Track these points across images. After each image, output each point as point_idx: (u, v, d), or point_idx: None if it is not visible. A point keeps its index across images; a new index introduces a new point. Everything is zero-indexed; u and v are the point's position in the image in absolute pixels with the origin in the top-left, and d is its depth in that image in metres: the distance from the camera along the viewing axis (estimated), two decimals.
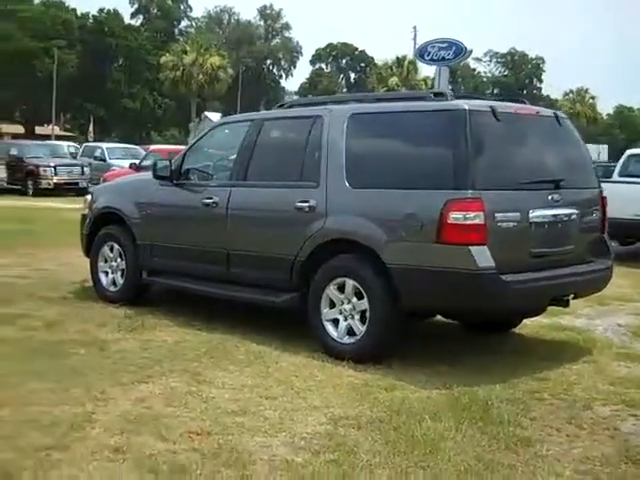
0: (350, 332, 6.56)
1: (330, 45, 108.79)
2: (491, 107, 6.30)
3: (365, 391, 5.78)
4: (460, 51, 46.22)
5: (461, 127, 6.06)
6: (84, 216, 9.00)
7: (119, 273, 8.51)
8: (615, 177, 15.87)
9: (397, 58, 62.81)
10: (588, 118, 72.63)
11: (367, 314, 6.41)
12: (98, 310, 8.10)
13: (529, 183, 6.34)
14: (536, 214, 6.29)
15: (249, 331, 7.31)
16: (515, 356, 6.96)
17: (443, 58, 45.35)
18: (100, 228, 8.68)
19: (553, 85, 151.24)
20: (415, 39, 64.34)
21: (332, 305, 6.67)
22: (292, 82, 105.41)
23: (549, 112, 7.07)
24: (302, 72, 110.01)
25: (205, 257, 7.59)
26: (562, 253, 6.59)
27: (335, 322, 6.65)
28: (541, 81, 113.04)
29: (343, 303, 6.59)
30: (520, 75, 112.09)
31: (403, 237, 6.18)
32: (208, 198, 7.51)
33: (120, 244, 8.42)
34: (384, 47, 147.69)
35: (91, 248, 8.79)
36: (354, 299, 6.51)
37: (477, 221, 5.88)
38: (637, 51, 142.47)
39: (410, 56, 61.32)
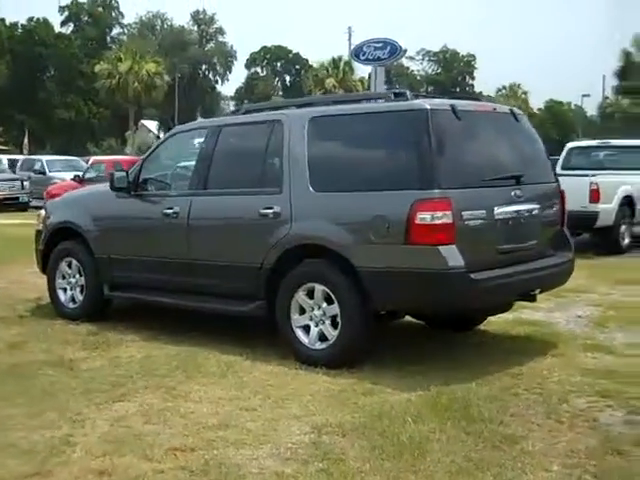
0: (322, 338, 6.53)
1: (264, 48, 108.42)
2: (451, 106, 6.34)
3: (344, 397, 5.76)
4: (395, 50, 46.56)
5: (423, 127, 6.08)
6: (39, 232, 8.81)
7: (78, 289, 8.35)
8: (558, 170, 16.14)
9: (333, 59, 62.88)
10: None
11: (338, 319, 6.39)
12: (59, 328, 7.93)
13: (492, 180, 6.40)
14: (500, 211, 6.34)
15: (217, 342, 7.23)
16: (484, 353, 7.03)
17: (378, 58, 45.62)
18: (56, 244, 8.50)
19: (487, 82, 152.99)
20: (350, 39, 64.62)
21: (302, 311, 6.64)
22: (228, 87, 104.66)
23: (505, 108, 7.15)
24: (238, 77, 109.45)
25: (168, 268, 7.49)
26: (526, 249, 6.67)
27: (306, 328, 6.62)
28: (473, 78, 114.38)
29: (313, 309, 6.56)
30: (453, 73, 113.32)
31: (371, 240, 6.17)
32: (168, 208, 7.41)
33: (78, 259, 8.26)
34: (319, 49, 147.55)
35: (47, 265, 8.60)
36: (324, 304, 6.49)
37: (445, 220, 5.91)
38: (565, 46, 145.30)
39: (346, 57, 61.48)
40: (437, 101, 6.55)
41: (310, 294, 6.56)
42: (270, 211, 6.69)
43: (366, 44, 43.25)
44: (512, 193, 6.48)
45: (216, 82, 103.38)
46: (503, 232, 6.39)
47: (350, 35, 66.25)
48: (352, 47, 46.47)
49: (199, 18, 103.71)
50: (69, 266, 8.40)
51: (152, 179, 7.87)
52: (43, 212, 8.85)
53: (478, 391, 5.82)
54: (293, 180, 6.63)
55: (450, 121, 6.22)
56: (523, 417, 5.33)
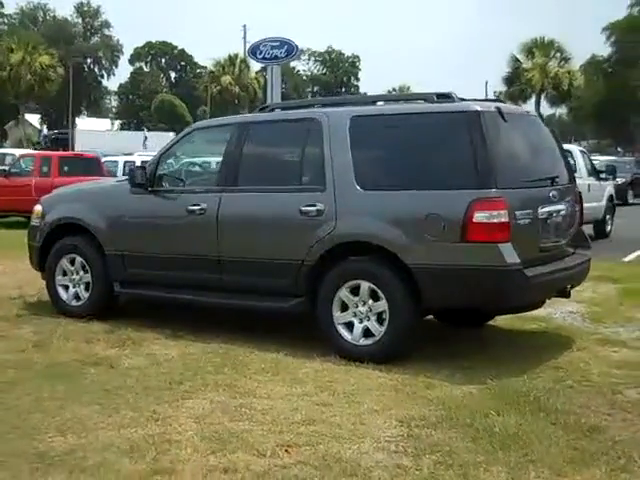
0: (366, 334, 6.60)
1: (149, 44, 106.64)
2: (497, 108, 6.53)
3: (409, 391, 5.86)
4: (292, 50, 46.82)
5: (478, 128, 6.24)
6: (34, 227, 8.51)
7: (82, 286, 8.12)
8: None
9: (229, 57, 62.64)
10: None
11: (385, 315, 6.48)
12: (72, 326, 7.69)
13: (534, 181, 6.64)
14: (542, 210, 6.59)
15: (247, 339, 7.18)
16: (512, 348, 7.26)
17: (275, 57, 45.80)
18: (55, 240, 8.24)
19: (373, 83, 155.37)
20: (245, 38, 64.49)
21: (344, 308, 6.69)
22: (114, 82, 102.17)
23: (532, 112, 7.39)
24: (124, 71, 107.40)
25: (192, 265, 7.39)
26: (558, 247, 6.94)
27: (348, 325, 6.67)
28: (358, 79, 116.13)
29: (357, 305, 6.62)
30: (338, 73, 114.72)
31: (424, 237, 6.29)
32: (194, 205, 7.31)
33: (83, 256, 8.04)
34: (211, 46, 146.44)
35: (44, 261, 8.33)
36: (370, 301, 6.56)
37: (502, 219, 6.10)
38: (451, 49, 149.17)
39: (242, 55, 61.37)
40: (484, 103, 6.73)
41: (354, 291, 6.62)
42: (313, 208, 6.71)
43: (263, 43, 43.24)
44: (550, 194, 6.73)
45: (102, 76, 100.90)
46: (543, 231, 6.63)
47: (245, 33, 66.07)
48: (248, 45, 46.55)
49: (83, 10, 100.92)
50: (72, 263, 8.17)
51: (170, 175, 7.75)
52: (39, 207, 8.54)
53: (534, 384, 6.02)
54: (337, 178, 6.67)
55: (498, 123, 6.42)
56: (590, 408, 5.55)
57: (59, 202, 8.55)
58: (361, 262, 6.59)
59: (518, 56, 53.99)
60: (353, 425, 5.14)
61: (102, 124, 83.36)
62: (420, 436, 4.95)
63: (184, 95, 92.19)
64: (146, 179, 7.58)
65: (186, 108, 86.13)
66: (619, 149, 74.22)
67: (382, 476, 4.36)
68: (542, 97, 52.92)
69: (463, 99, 6.74)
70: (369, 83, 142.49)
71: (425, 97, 6.95)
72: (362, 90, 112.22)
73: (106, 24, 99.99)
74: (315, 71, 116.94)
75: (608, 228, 18.14)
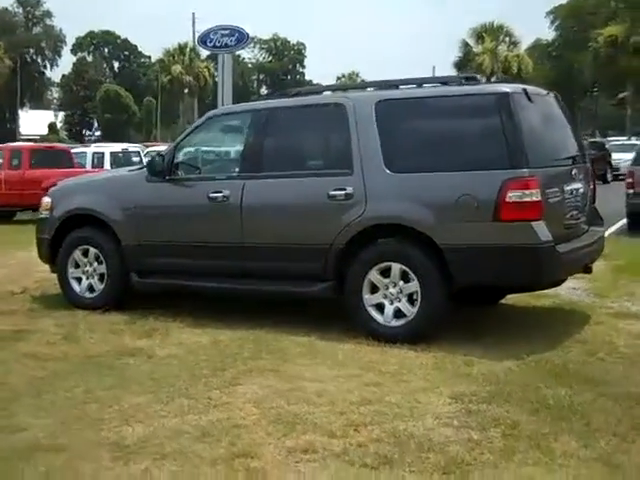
0: (397, 315, 6.70)
1: (91, 33, 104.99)
2: (524, 89, 6.66)
3: (451, 369, 5.97)
4: (242, 37, 46.63)
5: (508, 109, 6.36)
6: (43, 220, 8.42)
7: (96, 278, 8.07)
8: None
9: (179, 45, 62.07)
10: None
11: (417, 296, 6.57)
12: (93, 318, 7.64)
13: (559, 160, 6.80)
14: (567, 188, 6.75)
15: (271, 325, 7.20)
16: (533, 324, 7.44)
17: (226, 45, 45.55)
18: (66, 232, 8.17)
19: (322, 70, 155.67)
20: (194, 26, 63.85)
21: (373, 290, 6.77)
22: (58, 72, 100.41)
23: (551, 92, 7.52)
24: (67, 62, 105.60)
25: (215, 253, 7.39)
26: (579, 224, 7.11)
27: (378, 306, 6.76)
28: (304, 66, 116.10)
29: (388, 287, 6.71)
30: (284, 61, 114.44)
31: (457, 218, 6.40)
32: (216, 192, 7.31)
33: (98, 247, 7.99)
34: (156, 35, 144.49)
35: (55, 254, 8.25)
36: (401, 282, 6.65)
37: (534, 198, 6.23)
38: (399, 36, 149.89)
39: (191, 43, 60.84)
40: (511, 85, 6.83)
41: (384, 273, 6.71)
42: (342, 192, 6.77)
43: (213, 31, 42.96)
44: (573, 172, 6.89)
45: (45, 67, 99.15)
46: (568, 209, 6.79)
47: (194, 21, 65.40)
48: (198, 34, 46.16)
49: (24, 0, 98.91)
50: (84, 254, 8.11)
51: (188, 163, 7.73)
52: (48, 199, 8.45)
53: (568, 357, 6.19)
54: (365, 162, 6.74)
55: (526, 104, 6.55)
56: (629, 378, 5.73)
57: (69, 194, 8.46)
58: (392, 244, 6.67)
59: (468, 41, 54.52)
60: (409, 403, 5.23)
61: (46, 117, 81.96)
62: (478, 411, 5.06)
63: (129, 85, 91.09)
64: (164, 167, 7.55)
65: (132, 98, 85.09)
66: None
67: (459, 451, 4.44)
68: (492, 81, 53.41)
69: (487, 82, 6.83)
70: (315, 70, 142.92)
71: (451, 80, 7.04)
72: (308, 78, 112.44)
73: (48, 14, 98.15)
74: (261, 59, 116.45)
75: None
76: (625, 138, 43.97)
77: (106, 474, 4.18)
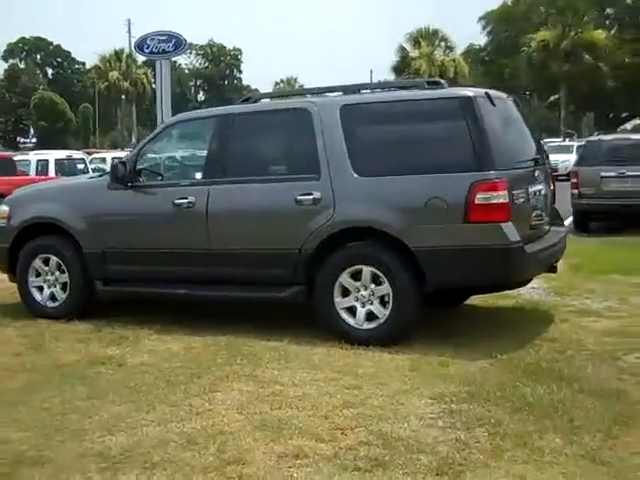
0: (369, 317, 6.72)
1: (22, 39, 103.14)
2: (486, 93, 6.76)
3: (427, 370, 6.01)
4: (180, 43, 46.22)
5: (473, 113, 6.45)
6: (0, 228, 8.23)
7: (59, 287, 7.92)
8: None
9: (115, 52, 61.33)
10: None
11: (389, 298, 6.60)
12: (58, 327, 7.51)
13: (523, 162, 6.91)
14: (531, 190, 6.86)
15: (241, 331, 7.14)
16: (500, 323, 7.55)
17: (164, 51, 45.05)
18: (25, 240, 8.01)
19: (259, 76, 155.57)
20: (130, 32, 63.26)
21: (345, 293, 6.78)
22: None
23: (510, 96, 7.64)
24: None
25: (181, 259, 7.33)
26: (542, 224, 7.23)
27: (349, 310, 6.77)
28: (241, 72, 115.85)
29: (359, 290, 6.73)
30: (220, 66, 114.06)
31: (426, 220, 6.45)
32: (181, 198, 7.24)
33: (59, 255, 7.84)
34: (89, 41, 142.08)
35: (14, 263, 8.08)
36: (372, 285, 6.68)
37: (502, 200, 6.32)
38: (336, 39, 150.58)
39: (128, 49, 60.21)
40: (474, 89, 6.92)
41: (355, 276, 6.73)
42: (309, 197, 6.77)
43: (150, 37, 42.50)
44: (536, 173, 7.01)
45: None
46: (532, 210, 6.91)
47: (130, 27, 64.79)
48: (134, 40, 45.68)
49: None
50: (45, 263, 7.95)
51: (150, 170, 7.65)
52: (5, 208, 8.26)
53: (539, 356, 6.28)
54: (332, 166, 6.75)
55: (489, 107, 6.63)
56: (602, 375, 5.83)
57: (28, 201, 8.30)
58: (362, 247, 6.70)
59: (405, 45, 55.05)
60: (391, 405, 5.25)
61: None
62: (461, 411, 5.10)
63: (63, 92, 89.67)
64: (125, 174, 7.45)
65: (67, 105, 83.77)
66: None
67: (448, 451, 4.47)
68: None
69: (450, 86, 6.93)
70: (253, 76, 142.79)
71: (414, 84, 7.11)
72: (245, 83, 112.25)
73: None
74: (197, 65, 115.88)
75: None
76: (560, 140, 44.87)
77: None
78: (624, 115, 55.80)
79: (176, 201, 7.26)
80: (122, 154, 25.32)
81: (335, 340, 6.75)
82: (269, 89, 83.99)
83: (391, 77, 57.60)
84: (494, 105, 6.71)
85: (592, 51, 46.05)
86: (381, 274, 6.62)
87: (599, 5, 54.15)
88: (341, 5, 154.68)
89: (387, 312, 6.63)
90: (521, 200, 6.64)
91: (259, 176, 7.13)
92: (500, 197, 6.31)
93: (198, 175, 7.57)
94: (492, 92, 6.97)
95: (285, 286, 6.95)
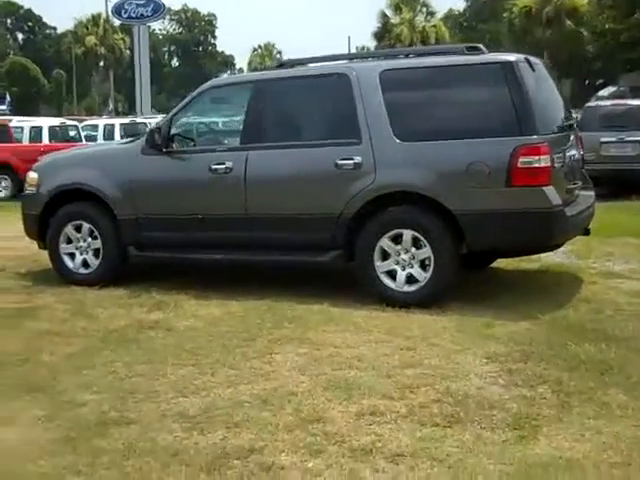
0: (409, 280, 6.84)
1: None
2: (526, 58, 6.83)
3: (473, 331, 6.12)
4: (159, 8, 45.65)
5: (515, 77, 6.54)
6: (29, 196, 8.24)
7: (91, 253, 7.95)
8: None
9: (92, 16, 60.49)
10: None
11: (430, 261, 6.72)
12: (90, 293, 7.55)
13: (560, 126, 7.01)
14: (568, 154, 6.98)
15: (276, 295, 7.21)
16: (532, 285, 7.72)
17: (142, 15, 44.47)
18: (56, 207, 8.02)
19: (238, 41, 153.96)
20: None
21: (384, 257, 6.89)
22: None
23: (541, 60, 7.71)
24: None
25: (217, 224, 7.38)
26: (576, 188, 7.36)
27: (389, 273, 6.88)
28: (215, 37, 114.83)
29: (399, 254, 6.84)
30: (194, 32, 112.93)
31: (469, 184, 6.56)
32: (218, 164, 7.29)
33: (91, 222, 7.87)
34: (62, 5, 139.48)
35: (44, 230, 8.10)
36: (412, 249, 6.79)
37: (544, 164, 6.43)
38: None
39: (105, 14, 59.43)
40: (514, 54, 6.98)
41: (395, 239, 6.83)
42: (350, 161, 6.84)
43: (127, 1, 42.03)
44: (571, 138, 7.12)
45: None
46: (568, 174, 7.03)
47: None
48: (110, 4, 44.98)
49: None
50: (77, 230, 7.97)
51: (184, 135, 7.67)
52: (34, 175, 8.25)
53: (580, 316, 6.43)
54: (373, 131, 6.82)
55: (530, 72, 6.72)
56: None
57: (58, 168, 8.29)
58: (403, 212, 6.79)
59: (386, 11, 54.81)
60: (449, 365, 5.36)
61: None
62: (518, 370, 5.22)
63: (34, 57, 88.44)
64: (161, 140, 7.47)
65: (39, 70, 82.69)
66: None
67: (518, 407, 4.60)
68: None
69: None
70: (227, 41, 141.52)
71: (454, 50, 7.16)
72: (220, 49, 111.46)
73: None
74: (171, 30, 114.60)
75: None
76: None
77: (187, 444, 4.19)
78: (599, 82, 56.05)
79: (213, 166, 7.30)
80: (117, 120, 25.16)
81: (374, 303, 6.87)
82: (246, 55, 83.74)
83: (372, 44, 57.54)
84: (533, 70, 6.79)
85: (574, 17, 46.13)
86: (422, 238, 6.72)
87: None
88: None
89: (428, 275, 6.75)
90: (559, 164, 6.75)
91: (298, 141, 7.19)
92: (542, 161, 6.42)
93: (234, 140, 7.62)
94: (531, 57, 7.05)
95: (324, 250, 7.03)
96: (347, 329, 6.25)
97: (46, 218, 8.08)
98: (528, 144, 6.40)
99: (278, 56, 78.33)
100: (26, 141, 19.78)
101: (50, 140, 19.64)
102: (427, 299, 6.73)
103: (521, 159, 6.39)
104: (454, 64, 6.94)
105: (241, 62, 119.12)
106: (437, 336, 6.02)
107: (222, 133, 8.01)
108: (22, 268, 8.93)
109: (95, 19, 60.83)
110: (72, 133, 20.92)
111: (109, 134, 22.18)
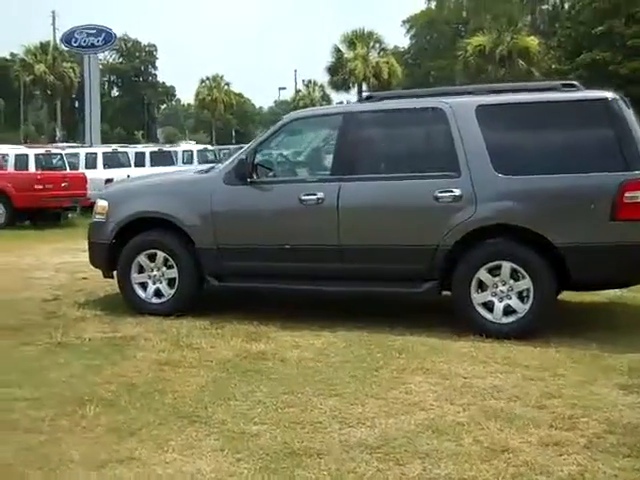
0: (506, 312, 6.90)
1: None
2: (620, 96, 7.01)
3: (588, 362, 6.20)
4: (110, 38, 45.38)
5: (616, 114, 6.72)
6: (99, 224, 8.08)
7: (165, 282, 7.82)
8: None
9: (41, 44, 59.70)
10: (225, 103, 75.54)
11: (529, 293, 6.80)
12: (171, 323, 7.45)
13: None
14: None
15: (360, 326, 7.25)
16: (612, 318, 7.88)
17: (92, 45, 44.09)
18: (128, 236, 7.88)
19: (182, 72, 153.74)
20: (54, 24, 61.83)
21: (481, 288, 6.95)
22: None
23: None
24: None
25: (306, 255, 7.34)
26: None
27: (485, 305, 6.94)
28: (156, 67, 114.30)
29: (497, 285, 6.90)
30: (135, 62, 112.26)
31: (572, 218, 6.68)
32: (309, 195, 7.27)
33: (167, 251, 7.75)
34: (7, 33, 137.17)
35: (114, 259, 7.95)
36: (511, 281, 6.86)
37: None
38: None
39: (53, 42, 58.78)
40: (609, 92, 7.13)
41: (492, 271, 6.90)
42: (449, 194, 6.91)
43: (78, 30, 41.74)
44: None
45: None
46: None
47: (54, 19, 63.26)
48: (61, 33, 44.38)
49: None
50: (151, 259, 7.84)
51: (268, 166, 7.65)
52: (104, 203, 8.09)
53: None
54: (472, 164, 6.90)
55: (626, 108, 6.90)
56: None
57: (131, 196, 8.15)
58: (503, 244, 6.87)
59: (340, 46, 55.45)
60: (590, 396, 5.39)
61: None
62: None
63: None
64: (246, 170, 7.44)
65: None
66: None
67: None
68: (364, 86, 54.64)
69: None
70: (168, 72, 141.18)
71: (549, 87, 7.31)
72: (160, 79, 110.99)
73: None
74: (111, 60, 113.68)
75: None
76: None
77: (393, 474, 4.15)
78: None
79: (303, 197, 7.28)
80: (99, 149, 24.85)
81: (467, 333, 6.92)
82: (191, 86, 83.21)
83: (324, 77, 58.09)
84: (628, 107, 6.97)
85: (525, 57, 47.36)
86: (522, 269, 6.79)
87: (528, 12, 55.96)
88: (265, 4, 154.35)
89: (527, 306, 6.82)
90: None
91: (394, 173, 7.23)
92: None
93: (324, 171, 7.60)
94: (620, 95, 7.23)
95: (418, 281, 7.05)
96: (461, 359, 6.27)
97: (116, 247, 7.91)
98: (634, 179, 6.56)
99: (226, 87, 78.27)
100: (11, 168, 19.37)
101: (36, 168, 19.28)
102: (524, 330, 6.79)
103: (627, 194, 6.54)
104: (555, 100, 7.06)
105: (181, 93, 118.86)
106: (557, 367, 6.06)
107: (309, 164, 7.99)
108: (72, 297, 8.74)
109: (44, 47, 60.00)
110: (55, 161, 20.58)
111: (92, 162, 21.98)
